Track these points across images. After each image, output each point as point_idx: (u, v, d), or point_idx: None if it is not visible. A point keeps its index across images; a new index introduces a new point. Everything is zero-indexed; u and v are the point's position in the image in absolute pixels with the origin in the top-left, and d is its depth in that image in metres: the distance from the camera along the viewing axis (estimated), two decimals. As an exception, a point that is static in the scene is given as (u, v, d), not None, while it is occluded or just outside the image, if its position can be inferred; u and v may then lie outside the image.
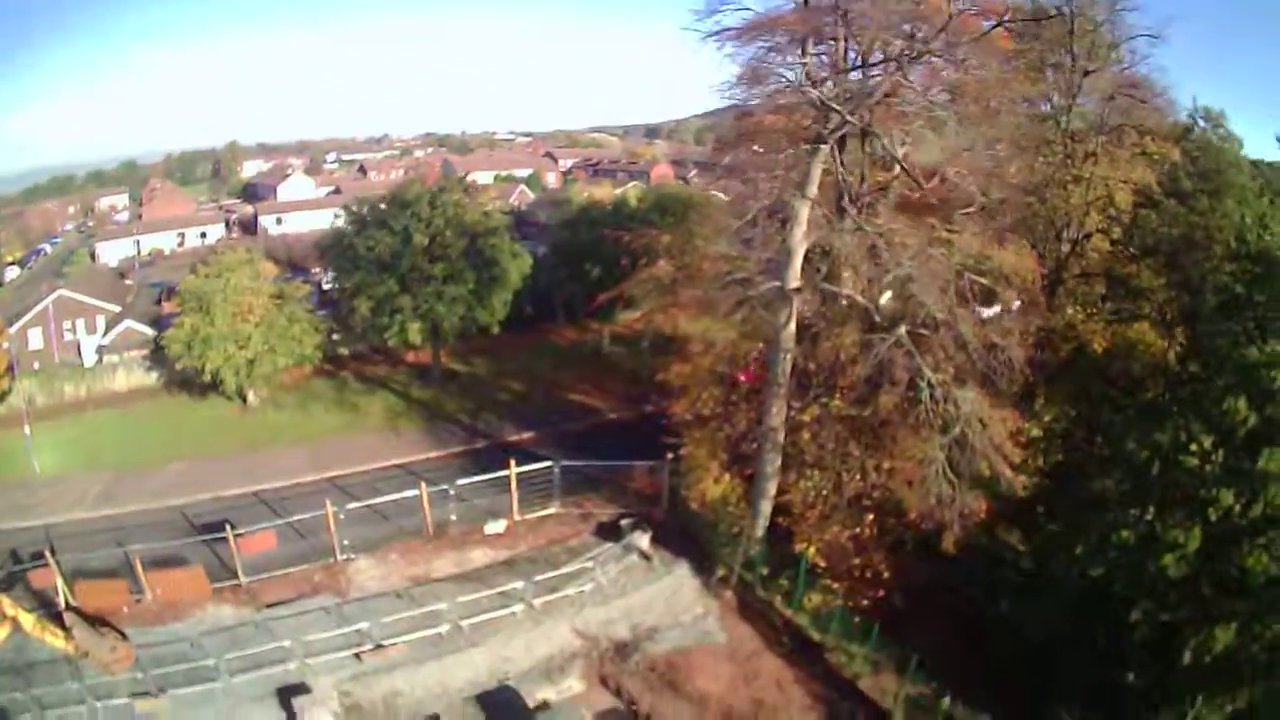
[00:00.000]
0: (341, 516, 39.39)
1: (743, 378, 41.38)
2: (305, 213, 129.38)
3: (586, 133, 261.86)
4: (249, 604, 36.37)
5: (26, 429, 52.79)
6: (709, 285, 38.22)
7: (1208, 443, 29.48)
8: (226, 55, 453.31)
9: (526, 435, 52.82)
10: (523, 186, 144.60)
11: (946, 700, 31.63)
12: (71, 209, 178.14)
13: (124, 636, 30.24)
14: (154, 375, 65.10)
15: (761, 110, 36.62)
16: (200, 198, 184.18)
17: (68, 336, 75.34)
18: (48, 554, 36.49)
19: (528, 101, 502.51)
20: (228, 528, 37.90)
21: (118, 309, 76.69)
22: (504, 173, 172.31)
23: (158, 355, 63.32)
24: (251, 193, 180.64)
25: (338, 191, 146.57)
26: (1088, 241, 43.63)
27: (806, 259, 36.31)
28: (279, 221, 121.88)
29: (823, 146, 34.31)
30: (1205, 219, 35.98)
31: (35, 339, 74.59)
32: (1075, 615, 32.05)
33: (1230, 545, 28.87)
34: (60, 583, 34.95)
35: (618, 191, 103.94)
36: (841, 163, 35.22)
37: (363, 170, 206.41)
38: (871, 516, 36.74)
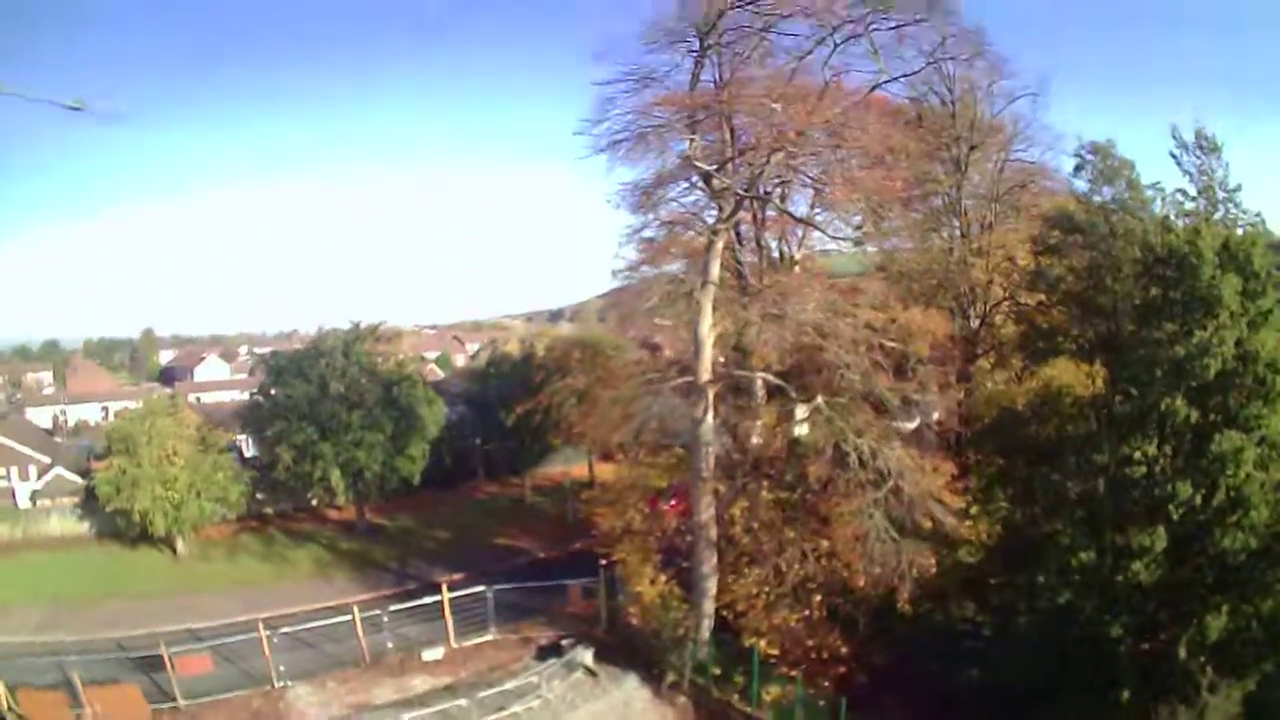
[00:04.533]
0: (275, 640, 38.75)
1: (669, 509, 41.92)
2: (223, 393, 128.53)
3: (492, 320, 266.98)
4: (190, 729, 35.22)
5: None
6: (624, 386, 38.59)
7: (1151, 448, 30.00)
8: (142, 241, 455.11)
9: (457, 576, 51.58)
10: (433, 365, 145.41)
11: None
12: (0, 379, 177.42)
13: None
14: (85, 524, 64.05)
15: (659, 234, 38.06)
16: (121, 379, 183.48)
17: (2, 484, 75.00)
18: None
19: (432, 296, 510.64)
20: (162, 646, 37.38)
21: (48, 460, 76.07)
22: (414, 355, 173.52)
23: (89, 503, 63.01)
24: (169, 375, 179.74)
25: (253, 375, 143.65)
26: (996, 310, 44.83)
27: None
28: (198, 400, 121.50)
29: (719, 233, 35.25)
30: (1107, 243, 36.88)
31: (-30, 482, 74.49)
32: (1051, 657, 31.84)
33: (1201, 538, 29.35)
34: (3, 691, 34.40)
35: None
36: (739, 242, 36.20)
37: (276, 355, 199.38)
38: (819, 598, 36.58)
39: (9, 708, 33.30)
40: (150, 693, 36.87)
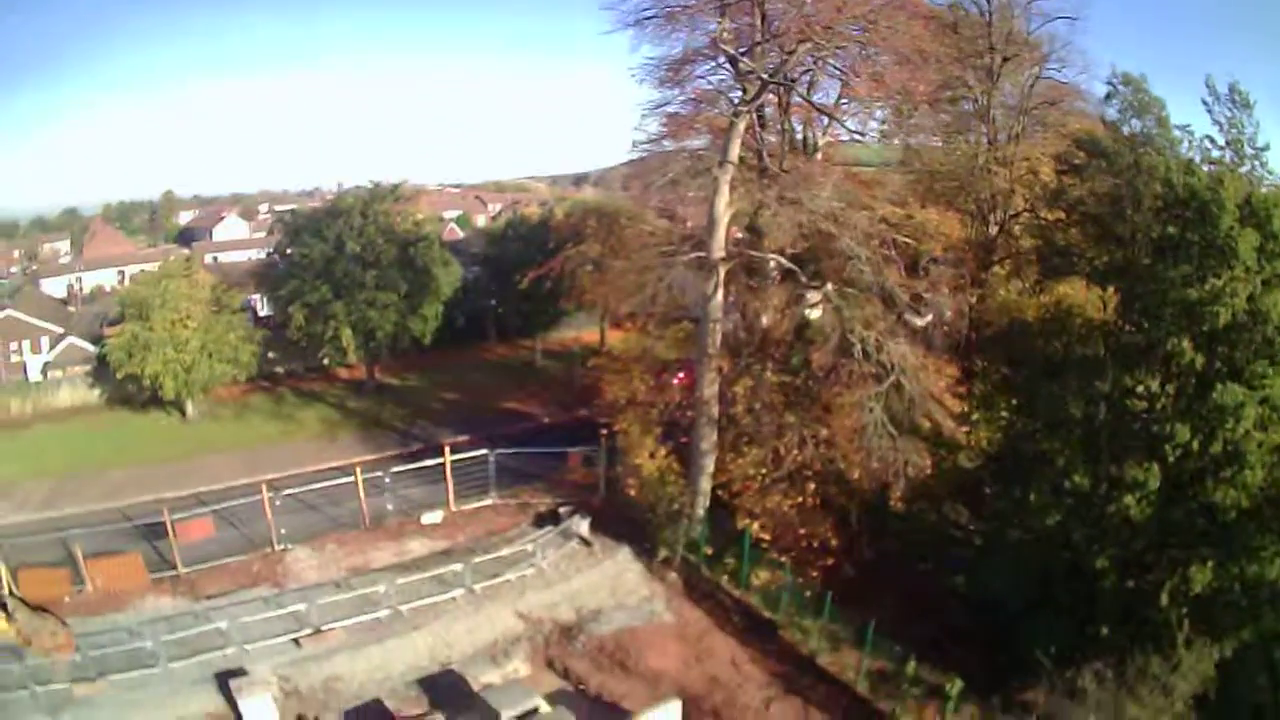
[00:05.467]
0: (277, 503, 39.40)
1: (676, 382, 42.00)
2: (240, 252, 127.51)
3: (515, 181, 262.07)
4: (188, 594, 35.79)
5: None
6: (636, 256, 38.74)
7: (1154, 384, 30.00)
8: (160, 107, 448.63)
9: (462, 439, 51.68)
10: (453, 225, 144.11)
11: (913, 664, 31.33)
12: (16, 253, 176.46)
13: (64, 624, 30.93)
14: (96, 392, 64.64)
15: (684, 110, 37.68)
16: (139, 242, 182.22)
17: (14, 358, 75.53)
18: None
19: (457, 154, 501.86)
20: (165, 512, 37.61)
21: (61, 330, 76.43)
22: (434, 214, 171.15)
23: (100, 371, 63.45)
24: (188, 236, 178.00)
25: (272, 234, 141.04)
26: (1015, 221, 44.47)
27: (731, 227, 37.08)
28: (215, 260, 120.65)
29: (741, 115, 34.99)
30: (1130, 174, 36.38)
31: (-18, 358, 74.78)
32: (1037, 577, 32.13)
33: (1194, 484, 29.29)
34: (4, 573, 34.20)
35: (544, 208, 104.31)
36: (761, 125, 35.90)
37: (295, 214, 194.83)
38: (813, 486, 36.95)
39: (9, 591, 33.30)
40: (151, 560, 37.52)
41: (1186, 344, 29.24)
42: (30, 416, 62.99)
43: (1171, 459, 29.12)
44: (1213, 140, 36.29)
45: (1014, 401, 37.85)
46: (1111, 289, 35.16)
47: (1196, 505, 29.40)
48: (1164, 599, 29.02)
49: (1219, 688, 28.89)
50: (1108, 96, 39.11)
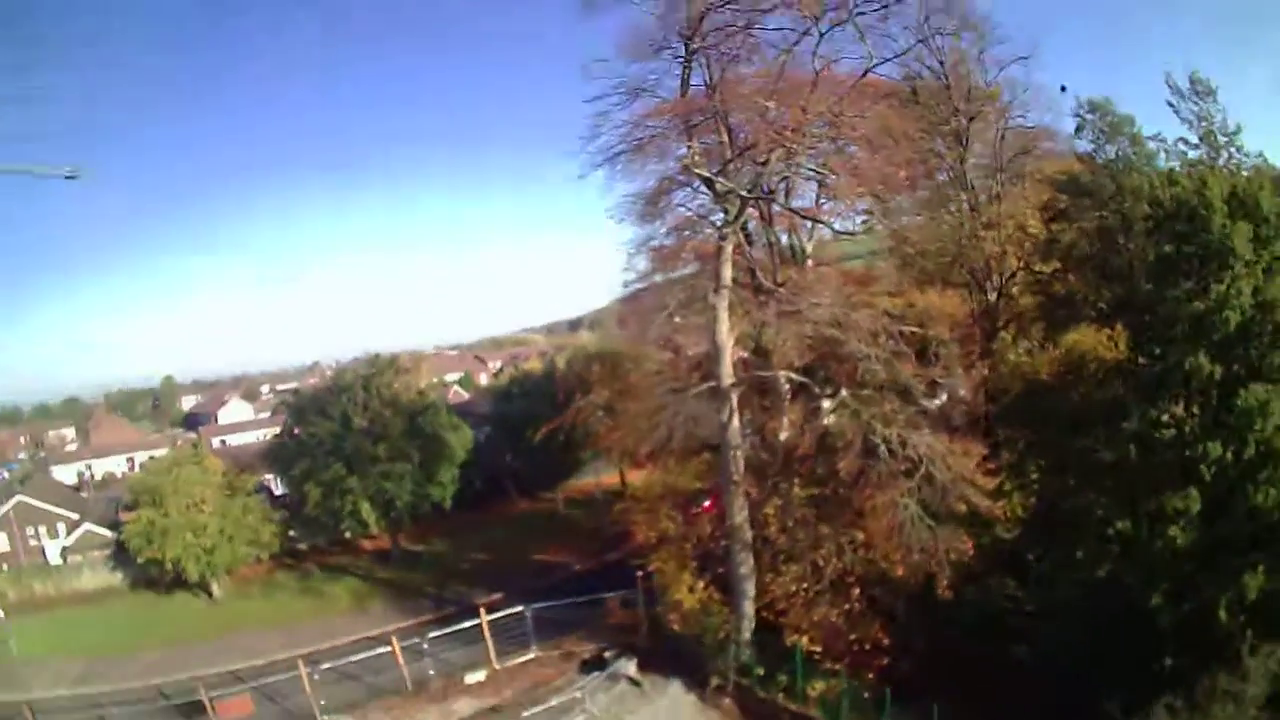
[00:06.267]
0: (316, 676, 38.81)
1: (704, 510, 41.79)
2: (247, 434, 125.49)
3: (511, 335, 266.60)
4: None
5: (0, 613, 55.53)
6: (646, 397, 38.73)
7: (1179, 408, 29.89)
8: (156, 292, 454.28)
9: (495, 596, 51.68)
10: (456, 387, 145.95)
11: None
12: (23, 439, 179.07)
13: None
14: (119, 575, 64.84)
15: (668, 241, 38.16)
16: (145, 429, 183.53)
17: (31, 542, 75.39)
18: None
19: (448, 314, 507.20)
20: (201, 689, 37.46)
21: (76, 516, 76.35)
22: (436, 379, 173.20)
23: (120, 555, 63.76)
24: (193, 421, 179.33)
25: (276, 415, 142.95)
26: (1012, 282, 44.26)
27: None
28: (223, 443, 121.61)
29: (728, 236, 35.20)
30: (1116, 202, 36.34)
31: (0, 543, 75.07)
32: (1094, 629, 31.69)
33: (1234, 495, 28.93)
34: None
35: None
36: (748, 241, 36.04)
37: (298, 394, 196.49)
38: (858, 591, 36.42)
39: None
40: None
41: (1202, 358, 29.23)
42: (54, 598, 63.66)
43: (1208, 477, 28.97)
44: (1186, 141, 36.90)
45: (1043, 463, 37.70)
46: (1119, 326, 35.15)
47: (1240, 514, 28.99)
48: (1222, 614, 28.62)
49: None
50: (1078, 129, 39.38)
